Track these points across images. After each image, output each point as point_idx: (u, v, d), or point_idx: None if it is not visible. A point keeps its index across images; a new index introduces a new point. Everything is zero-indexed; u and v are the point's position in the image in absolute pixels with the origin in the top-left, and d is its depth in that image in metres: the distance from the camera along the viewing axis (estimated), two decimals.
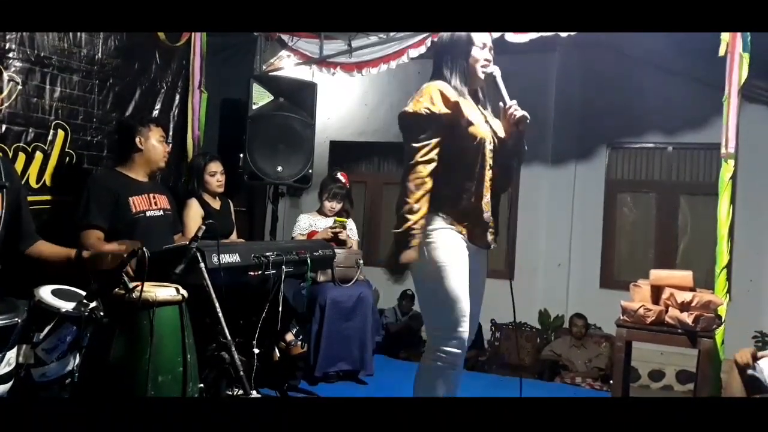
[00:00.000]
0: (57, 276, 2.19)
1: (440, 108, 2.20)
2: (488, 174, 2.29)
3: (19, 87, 2.82)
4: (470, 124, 2.24)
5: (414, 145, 2.19)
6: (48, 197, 2.97)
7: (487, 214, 2.29)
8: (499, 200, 2.39)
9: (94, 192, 2.81)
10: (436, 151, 2.19)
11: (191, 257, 2.34)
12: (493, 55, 2.39)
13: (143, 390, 1.99)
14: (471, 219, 2.27)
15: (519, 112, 2.28)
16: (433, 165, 2.19)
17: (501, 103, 2.34)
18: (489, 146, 2.29)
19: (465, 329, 2.23)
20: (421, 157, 2.18)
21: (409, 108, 2.23)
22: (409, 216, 2.15)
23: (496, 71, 2.34)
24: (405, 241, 2.15)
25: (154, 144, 2.98)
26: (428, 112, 2.19)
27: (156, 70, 3.67)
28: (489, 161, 2.29)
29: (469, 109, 2.28)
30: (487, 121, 2.34)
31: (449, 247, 2.23)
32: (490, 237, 2.34)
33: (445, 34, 2.38)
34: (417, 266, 2.22)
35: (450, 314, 2.21)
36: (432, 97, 2.21)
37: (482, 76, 2.35)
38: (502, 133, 2.36)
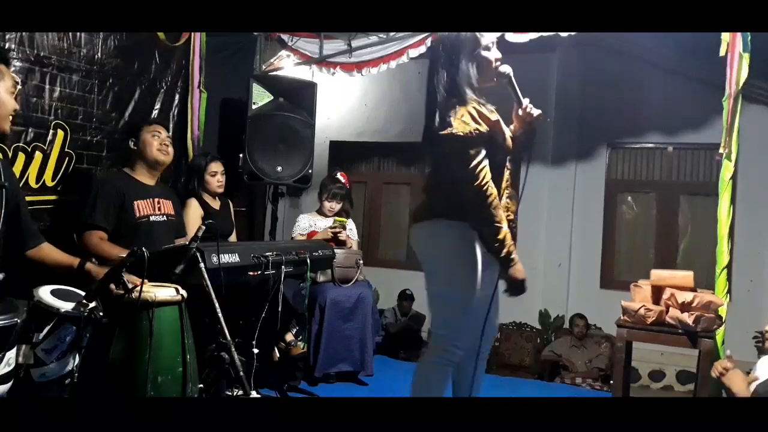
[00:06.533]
0: (56, 276, 2.19)
1: (485, 128, 2.22)
2: (505, 184, 2.35)
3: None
4: (505, 137, 2.30)
5: (474, 168, 2.18)
6: (47, 197, 2.96)
7: (501, 218, 2.28)
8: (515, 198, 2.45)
9: (101, 192, 2.82)
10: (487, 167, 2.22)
11: (191, 257, 2.34)
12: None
13: (143, 390, 1.99)
14: (488, 230, 2.25)
15: (536, 111, 2.30)
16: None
17: (516, 102, 2.34)
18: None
19: (469, 327, 2.28)
20: (486, 180, 2.19)
21: (458, 130, 2.19)
22: (504, 238, 2.21)
23: (509, 70, 2.32)
24: (510, 260, 2.23)
25: (146, 139, 2.99)
26: (478, 132, 2.20)
27: (156, 70, 3.67)
28: (508, 168, 2.36)
29: (503, 122, 2.31)
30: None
31: (466, 251, 2.26)
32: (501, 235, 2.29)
33: (449, 40, 2.33)
34: (430, 267, 2.32)
35: (457, 314, 2.27)
36: (474, 117, 2.20)
37: (496, 78, 2.33)
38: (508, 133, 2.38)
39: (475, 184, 2.18)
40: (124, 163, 3.06)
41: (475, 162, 2.18)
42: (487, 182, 2.19)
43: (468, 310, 2.26)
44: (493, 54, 2.32)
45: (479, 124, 2.20)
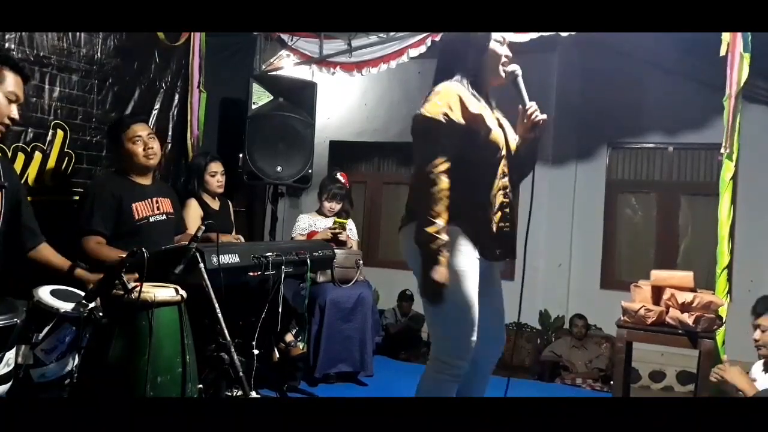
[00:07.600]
0: (56, 276, 2.19)
1: (458, 117, 2.05)
2: (499, 183, 2.17)
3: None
4: (489, 132, 2.11)
5: (430, 155, 2.02)
6: (47, 197, 2.96)
7: (497, 225, 2.18)
8: (515, 210, 2.29)
9: (97, 197, 2.80)
10: (450, 161, 2.03)
11: (190, 257, 2.34)
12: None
13: (142, 390, 1.98)
14: (482, 231, 2.15)
15: (539, 116, 2.15)
16: (449, 176, 2.03)
17: (520, 105, 2.20)
18: (502, 153, 2.18)
19: (471, 340, 2.11)
20: (439, 169, 2.01)
21: (426, 111, 2.06)
22: (435, 233, 1.98)
23: (518, 70, 2.19)
24: (434, 259, 1.98)
25: (128, 147, 2.88)
26: (446, 119, 2.03)
27: (155, 70, 3.67)
28: (502, 169, 2.18)
29: (489, 116, 2.16)
30: (500, 126, 2.22)
31: (460, 258, 2.09)
32: (498, 251, 2.22)
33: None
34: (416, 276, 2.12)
35: (457, 325, 2.10)
36: (450, 104, 2.05)
37: (503, 75, 2.19)
38: (513, 137, 2.25)
39: (425, 169, 2.00)
40: (120, 165, 3.04)
41: (432, 147, 2.01)
42: (438, 172, 1.99)
43: (464, 318, 2.09)
44: (504, 50, 2.21)
45: (451, 110, 2.04)
